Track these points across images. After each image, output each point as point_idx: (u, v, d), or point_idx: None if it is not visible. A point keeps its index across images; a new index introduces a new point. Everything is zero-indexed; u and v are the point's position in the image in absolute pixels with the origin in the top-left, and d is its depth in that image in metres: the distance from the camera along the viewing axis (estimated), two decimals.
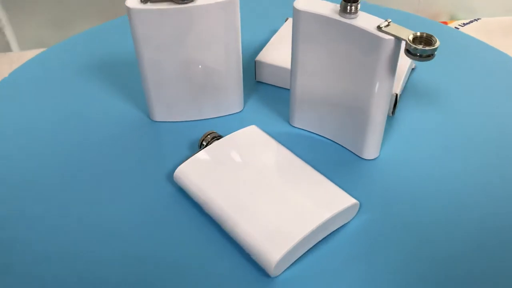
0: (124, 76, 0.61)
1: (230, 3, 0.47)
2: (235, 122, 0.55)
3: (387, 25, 0.42)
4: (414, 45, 0.40)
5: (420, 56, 0.40)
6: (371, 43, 0.42)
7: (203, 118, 0.55)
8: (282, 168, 0.46)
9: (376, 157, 0.51)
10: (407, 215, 0.45)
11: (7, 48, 1.38)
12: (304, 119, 0.53)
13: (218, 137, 0.50)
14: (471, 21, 1.46)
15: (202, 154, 0.48)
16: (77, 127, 0.55)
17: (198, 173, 0.46)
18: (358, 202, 0.44)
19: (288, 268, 0.41)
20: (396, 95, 0.53)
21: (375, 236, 0.43)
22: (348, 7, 0.43)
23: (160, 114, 0.55)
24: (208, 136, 0.49)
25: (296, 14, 0.46)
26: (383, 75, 0.44)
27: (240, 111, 0.57)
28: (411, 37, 0.40)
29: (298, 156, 0.47)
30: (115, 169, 0.50)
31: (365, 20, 0.43)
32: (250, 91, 0.59)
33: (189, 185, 0.45)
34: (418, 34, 0.40)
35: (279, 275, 0.40)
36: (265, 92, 0.59)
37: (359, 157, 0.50)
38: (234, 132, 0.50)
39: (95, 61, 0.64)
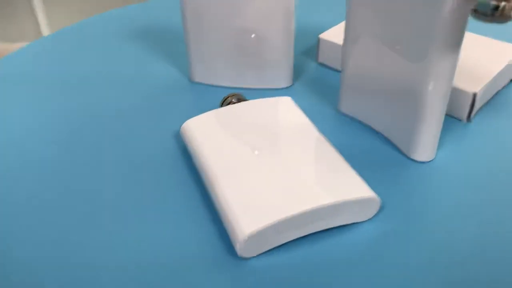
0: (169, 42, 0.58)
1: None
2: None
3: None
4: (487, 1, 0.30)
5: (492, 14, 0.30)
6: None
7: (245, 86, 0.49)
8: (300, 144, 0.38)
9: (429, 161, 0.40)
10: (441, 241, 0.34)
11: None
12: (352, 105, 0.45)
13: (244, 100, 0.43)
14: None
15: (217, 112, 0.41)
16: (112, 84, 0.52)
17: (205, 130, 0.40)
18: (379, 199, 0.34)
19: (268, 253, 0.33)
20: (474, 94, 0.42)
21: (391, 250, 0.33)
22: None
23: (199, 74, 0.50)
24: (233, 97, 0.43)
25: None
26: (442, 46, 0.34)
27: (287, 87, 0.50)
28: None
29: (334, 144, 0.39)
30: (136, 123, 0.46)
31: None
32: (307, 71, 0.52)
33: (190, 141, 0.39)
34: None
35: (254, 259, 0.32)
36: (324, 74, 0.52)
37: (407, 157, 0.40)
38: (263, 98, 0.43)
39: (137, 30, 0.62)
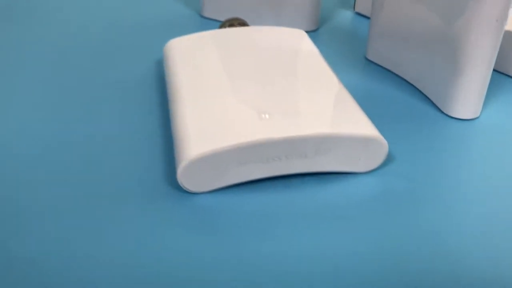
0: None
1: None
2: None
3: None
4: None
5: None
6: None
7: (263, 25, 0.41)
8: (298, 72, 0.29)
9: (470, 119, 0.30)
10: (456, 214, 0.24)
11: None
12: (381, 52, 0.35)
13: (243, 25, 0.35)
14: None
15: (209, 34, 0.34)
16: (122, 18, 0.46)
17: (188, 50, 0.32)
18: (385, 143, 0.25)
19: (224, 192, 0.24)
20: None
21: (384, 216, 0.24)
22: None
23: (211, 9, 0.43)
24: (234, 21, 0.35)
25: None
26: None
27: (313, 31, 0.41)
28: None
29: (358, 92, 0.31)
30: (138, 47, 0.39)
31: None
32: (340, 18, 0.43)
33: (168, 60, 0.32)
34: None
35: (203, 196, 0.24)
36: (358, 23, 0.43)
37: (443, 113, 0.31)
38: (270, 26, 0.35)
39: None
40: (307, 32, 0.41)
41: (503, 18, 0.27)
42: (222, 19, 0.42)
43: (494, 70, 0.36)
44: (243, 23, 0.35)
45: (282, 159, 0.24)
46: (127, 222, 0.22)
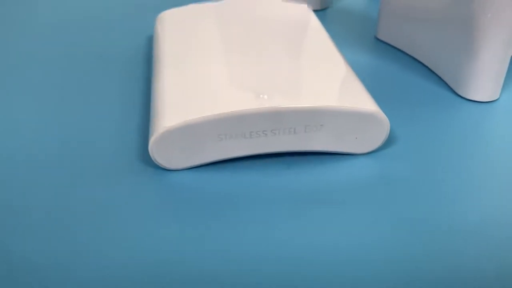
0: None
1: None
2: None
3: None
4: None
5: None
6: None
7: None
8: (296, 44, 0.27)
9: (487, 101, 0.27)
10: (457, 209, 0.21)
11: None
12: (392, 31, 0.32)
13: None
14: None
15: (206, 5, 0.31)
16: None
17: (180, 21, 0.30)
18: (386, 120, 0.22)
19: (203, 169, 0.22)
20: None
21: (377, 203, 0.21)
22: None
23: None
24: None
25: None
26: None
27: (323, 9, 0.38)
28: None
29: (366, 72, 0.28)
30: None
31: None
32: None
33: (157, 31, 0.30)
34: None
35: (179, 173, 0.22)
36: (372, 2, 0.40)
37: (457, 94, 0.27)
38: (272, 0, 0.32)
39: None
40: (316, 11, 0.38)
41: None
42: None
43: None
44: None
45: (268, 134, 0.21)
46: (92, 199, 0.20)
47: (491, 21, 0.24)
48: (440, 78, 0.29)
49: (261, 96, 0.22)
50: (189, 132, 0.20)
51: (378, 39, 0.34)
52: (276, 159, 0.22)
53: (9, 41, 0.33)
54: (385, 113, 0.22)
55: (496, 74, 0.26)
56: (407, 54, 0.32)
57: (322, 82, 0.23)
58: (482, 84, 0.26)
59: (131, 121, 0.25)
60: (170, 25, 0.29)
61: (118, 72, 0.29)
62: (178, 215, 0.19)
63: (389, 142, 0.23)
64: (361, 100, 0.22)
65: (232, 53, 0.25)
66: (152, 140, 0.20)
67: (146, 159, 0.22)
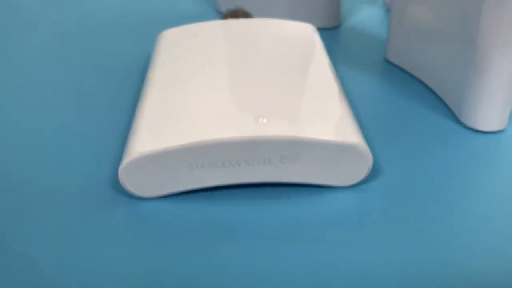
0: None
1: None
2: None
3: None
4: None
5: None
6: None
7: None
8: (291, 69, 0.25)
9: (497, 131, 0.25)
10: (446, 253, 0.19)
11: None
12: (401, 53, 0.31)
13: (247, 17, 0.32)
14: None
15: (208, 24, 0.31)
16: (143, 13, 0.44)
17: (179, 40, 0.29)
18: (369, 154, 0.21)
19: (176, 199, 0.21)
20: None
21: (359, 239, 0.19)
22: None
23: (226, 1, 0.40)
24: (237, 12, 0.32)
25: None
26: None
27: (335, 27, 0.37)
28: None
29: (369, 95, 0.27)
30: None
31: None
32: (367, 17, 0.39)
33: (155, 50, 0.29)
34: None
35: (149, 202, 0.21)
36: (386, 21, 0.38)
37: (461, 124, 0.26)
38: (276, 19, 0.31)
39: None
40: (327, 29, 0.37)
41: None
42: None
43: None
44: (247, 15, 0.32)
45: (241, 164, 0.20)
46: (58, 226, 0.20)
47: (497, 43, 0.23)
48: (446, 105, 0.27)
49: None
50: (159, 159, 0.20)
51: (388, 61, 0.32)
52: (253, 189, 0.21)
53: (9, 43, 0.34)
54: (379, 143, 0.21)
55: (503, 101, 0.24)
56: (416, 78, 0.30)
57: (306, 110, 0.22)
58: (487, 111, 0.25)
59: (111, 142, 0.25)
60: (168, 45, 0.29)
61: (111, 88, 0.29)
62: (146, 246, 0.19)
63: (376, 174, 0.22)
64: (343, 131, 0.21)
65: (220, 76, 0.25)
66: (121, 166, 0.20)
67: (115, 184, 0.22)
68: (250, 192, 0.21)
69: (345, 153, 0.20)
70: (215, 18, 0.40)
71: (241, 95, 0.23)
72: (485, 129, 0.25)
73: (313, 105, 0.22)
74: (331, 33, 0.36)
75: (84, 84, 0.30)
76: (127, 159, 0.20)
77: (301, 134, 0.20)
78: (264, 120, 0.21)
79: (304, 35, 0.30)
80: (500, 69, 0.23)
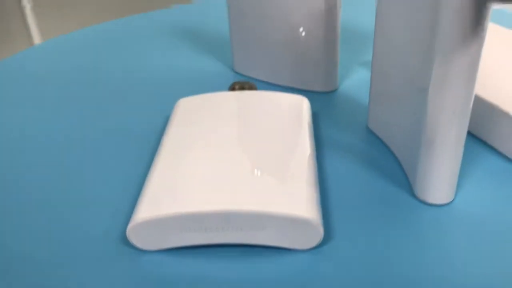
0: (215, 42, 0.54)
1: None
2: (313, 101, 0.41)
3: None
4: None
5: None
6: None
7: (282, 84, 0.44)
8: (277, 145, 0.31)
9: (444, 204, 0.30)
10: None
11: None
12: (378, 123, 0.36)
13: (251, 89, 0.38)
14: None
15: (216, 96, 0.37)
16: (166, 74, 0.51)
17: (190, 110, 0.36)
18: (320, 227, 0.26)
19: (167, 252, 0.27)
20: None
21: None
22: None
23: (240, 65, 0.46)
24: (243, 84, 0.38)
25: None
26: (449, 47, 0.25)
27: (332, 91, 0.43)
28: None
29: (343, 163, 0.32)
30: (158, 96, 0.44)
31: None
32: (362, 81, 0.44)
33: (170, 119, 0.36)
34: None
35: (150, 253, 0.27)
36: None
37: (415, 197, 0.31)
38: (273, 92, 0.37)
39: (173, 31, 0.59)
40: (325, 92, 0.42)
41: (462, 110, 0.26)
42: (252, 74, 0.45)
43: (472, 135, 0.36)
44: (251, 87, 0.38)
45: (219, 230, 0.26)
46: (70, 272, 0.27)
47: (442, 117, 0.27)
48: (407, 178, 0.32)
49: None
50: (157, 224, 0.26)
51: (368, 129, 0.37)
52: (233, 248, 0.27)
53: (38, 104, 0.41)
54: (339, 212, 0.26)
55: (449, 173, 0.29)
56: (388, 148, 0.35)
57: (275, 187, 0.27)
58: (435, 184, 0.29)
59: (126, 198, 0.31)
60: (181, 113, 0.36)
61: (128, 150, 0.36)
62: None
63: (330, 240, 0.27)
64: (300, 206, 0.26)
65: (216, 151, 0.31)
66: (128, 227, 0.27)
67: (123, 238, 0.28)
68: (229, 251, 0.27)
69: (299, 225, 0.26)
70: (231, 77, 0.46)
71: (228, 169, 0.29)
72: (433, 202, 0.30)
73: (282, 182, 0.28)
74: (328, 97, 0.42)
75: (106, 145, 0.37)
76: (132, 222, 0.26)
77: (265, 208, 0.26)
78: (239, 195, 0.27)
79: (295, 107, 0.35)
80: (446, 144, 0.28)
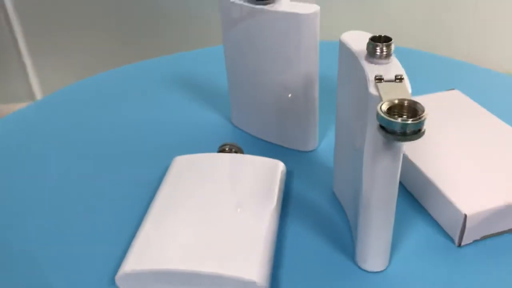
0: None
1: (308, 17, 0.42)
2: (292, 159, 0.47)
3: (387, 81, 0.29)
4: (387, 116, 0.26)
5: (402, 133, 0.26)
6: None
7: (270, 140, 0.50)
8: (246, 209, 0.38)
9: (380, 271, 0.36)
10: None
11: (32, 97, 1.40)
12: (339, 187, 0.42)
13: (239, 152, 0.45)
14: None
15: (207, 156, 0.44)
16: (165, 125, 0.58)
17: (182, 169, 0.43)
18: (256, 285, 0.32)
19: None
20: (465, 217, 0.36)
21: None
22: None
23: (236, 119, 0.53)
24: (229, 146, 0.45)
25: None
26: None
27: (308, 151, 0.49)
28: (384, 107, 0.27)
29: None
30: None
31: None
32: None
33: (166, 175, 0.43)
34: (396, 101, 0.27)
35: None
36: None
37: (356, 265, 0.36)
38: (256, 156, 0.44)
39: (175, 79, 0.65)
40: (308, 152, 0.48)
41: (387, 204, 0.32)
42: (247, 130, 0.52)
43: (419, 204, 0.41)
44: (238, 149, 0.45)
45: (187, 285, 0.33)
46: None
47: (374, 200, 0.32)
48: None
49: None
50: (139, 276, 0.33)
51: (334, 194, 0.43)
52: None
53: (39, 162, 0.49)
54: (285, 278, 0.32)
55: (383, 245, 0.34)
56: (346, 215, 0.41)
57: (233, 250, 0.34)
58: (371, 254, 0.35)
59: (119, 246, 0.38)
60: (175, 171, 0.42)
61: (126, 201, 0.43)
62: None
63: None
64: (247, 269, 0.33)
65: (195, 212, 0.37)
66: (116, 276, 0.34)
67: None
68: None
69: (245, 286, 0.32)
70: (228, 129, 0.53)
71: (202, 232, 0.36)
72: (369, 269, 0.36)
73: (242, 246, 0.34)
74: (307, 156, 0.48)
75: (108, 197, 0.44)
76: (119, 272, 0.33)
77: (220, 271, 0.32)
78: (204, 257, 0.33)
79: (270, 172, 0.42)
80: (379, 213, 0.33)
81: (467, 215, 0.35)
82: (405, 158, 0.41)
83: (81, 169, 0.48)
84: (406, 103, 0.27)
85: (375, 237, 0.34)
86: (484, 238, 0.37)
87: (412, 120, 0.26)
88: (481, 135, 0.43)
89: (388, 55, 0.31)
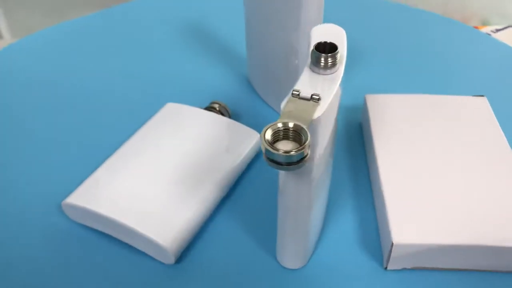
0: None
1: None
2: None
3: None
4: (270, 148, 0.25)
5: (287, 164, 0.25)
6: None
7: (277, 110, 0.50)
8: (192, 178, 0.39)
9: (299, 268, 0.36)
10: None
11: None
12: None
13: (226, 113, 0.46)
14: (505, 27, 1.29)
15: (187, 110, 0.45)
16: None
17: (166, 119, 0.44)
18: (169, 250, 0.34)
19: None
20: (392, 245, 0.34)
21: None
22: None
23: (251, 77, 0.53)
24: (216, 105, 0.46)
25: None
26: None
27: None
28: (268, 134, 0.25)
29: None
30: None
31: None
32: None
33: (150, 121, 0.44)
34: (280, 125, 0.25)
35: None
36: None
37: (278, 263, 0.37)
38: (234, 121, 0.44)
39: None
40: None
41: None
42: (257, 90, 0.52)
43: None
44: (225, 111, 0.45)
45: (116, 232, 0.37)
46: None
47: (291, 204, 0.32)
48: None
49: None
50: (80, 210, 0.37)
51: None
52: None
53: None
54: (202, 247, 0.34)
55: (302, 245, 0.34)
56: None
57: (158, 208, 0.37)
58: (289, 254, 0.35)
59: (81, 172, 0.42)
60: (158, 117, 0.44)
61: (110, 138, 0.46)
62: None
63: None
64: (163, 230, 0.35)
65: (151, 163, 0.40)
66: (62, 203, 0.38)
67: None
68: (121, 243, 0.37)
69: (155, 245, 0.35)
70: (246, 87, 0.53)
71: (145, 182, 0.38)
72: (288, 267, 0.36)
73: (167, 208, 0.37)
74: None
75: (91, 133, 0.48)
76: (63, 201, 0.37)
77: (135, 226, 0.35)
78: (130, 208, 0.36)
79: (242, 141, 0.42)
80: (284, 226, 0.33)
81: (394, 244, 0.34)
82: (376, 167, 0.39)
83: (71, 112, 0.50)
84: (291, 127, 0.25)
85: (288, 242, 0.34)
86: (416, 268, 0.36)
87: (295, 151, 0.25)
88: (473, 161, 0.39)
89: (333, 65, 0.30)
